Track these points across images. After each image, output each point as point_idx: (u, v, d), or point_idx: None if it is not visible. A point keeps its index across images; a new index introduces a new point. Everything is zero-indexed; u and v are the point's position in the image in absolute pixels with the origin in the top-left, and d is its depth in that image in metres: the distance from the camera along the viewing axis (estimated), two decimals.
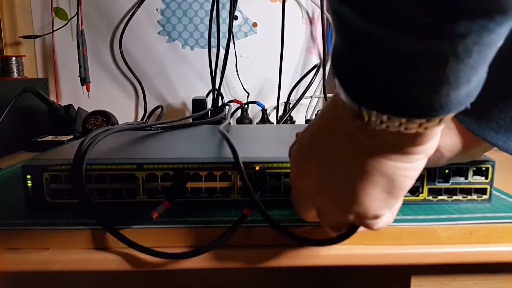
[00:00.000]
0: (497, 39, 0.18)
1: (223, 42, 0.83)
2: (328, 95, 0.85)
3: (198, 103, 0.81)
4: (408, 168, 0.25)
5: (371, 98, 0.21)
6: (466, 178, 0.40)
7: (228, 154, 0.42)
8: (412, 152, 0.24)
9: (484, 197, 0.40)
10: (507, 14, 0.16)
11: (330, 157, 0.26)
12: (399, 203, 0.28)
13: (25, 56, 0.87)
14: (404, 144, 0.24)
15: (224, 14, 0.92)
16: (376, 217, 0.27)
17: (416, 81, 0.19)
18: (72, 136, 0.76)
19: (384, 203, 0.26)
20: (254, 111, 0.95)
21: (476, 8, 0.16)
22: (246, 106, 0.87)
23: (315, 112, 0.92)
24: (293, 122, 0.87)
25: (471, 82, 0.20)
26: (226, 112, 0.75)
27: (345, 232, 0.30)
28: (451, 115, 0.21)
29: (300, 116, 0.95)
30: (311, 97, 0.93)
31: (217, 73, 0.85)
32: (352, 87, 0.22)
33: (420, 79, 0.19)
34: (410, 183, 0.26)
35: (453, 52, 0.18)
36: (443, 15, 0.16)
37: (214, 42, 0.90)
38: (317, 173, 0.27)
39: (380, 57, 0.20)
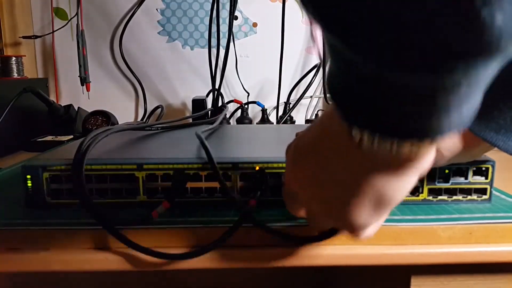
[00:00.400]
0: (487, 73, 0.19)
1: (223, 42, 0.83)
2: (328, 95, 0.84)
3: (198, 103, 0.81)
4: (399, 183, 0.25)
5: (363, 119, 0.22)
6: (466, 178, 0.40)
7: (228, 154, 0.42)
8: (403, 169, 0.24)
9: (484, 197, 0.40)
10: (491, 54, 0.17)
11: (326, 163, 0.26)
12: (386, 215, 0.28)
13: (25, 56, 0.87)
14: (395, 163, 0.24)
15: (224, 14, 0.92)
16: (362, 227, 0.27)
17: (407, 110, 0.20)
18: (72, 136, 0.76)
19: (371, 215, 0.26)
20: (254, 111, 0.95)
21: (460, 50, 0.16)
22: (246, 106, 0.87)
23: (315, 112, 0.92)
24: (293, 122, 0.87)
25: (462, 109, 0.21)
26: (219, 115, 0.72)
27: (328, 231, 0.32)
28: (442, 137, 0.22)
29: (300, 116, 0.95)
30: (311, 97, 0.93)
31: (217, 73, 0.85)
32: (345, 108, 0.23)
33: (411, 108, 0.20)
34: (400, 197, 0.26)
35: (442, 85, 0.18)
36: (430, 55, 0.17)
37: (214, 42, 0.90)
38: (312, 177, 0.27)
39: (371, 88, 0.20)
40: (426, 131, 0.21)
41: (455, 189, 0.40)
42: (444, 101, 0.19)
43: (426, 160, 0.24)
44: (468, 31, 0.16)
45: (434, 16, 0.15)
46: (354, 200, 0.26)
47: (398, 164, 0.24)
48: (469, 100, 0.20)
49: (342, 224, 0.28)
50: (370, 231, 0.29)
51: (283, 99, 0.89)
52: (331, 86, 0.23)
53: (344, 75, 0.22)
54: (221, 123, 0.66)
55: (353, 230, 0.27)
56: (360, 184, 0.25)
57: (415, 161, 0.24)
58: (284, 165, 0.39)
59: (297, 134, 0.32)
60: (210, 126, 0.58)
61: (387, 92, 0.20)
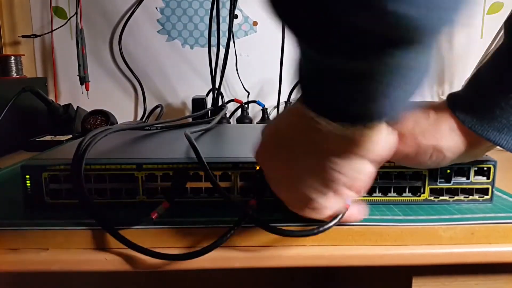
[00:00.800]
0: (409, 63, 0.22)
1: (223, 41, 0.83)
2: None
3: (198, 103, 0.81)
4: (348, 165, 0.29)
5: (318, 104, 0.26)
6: (468, 178, 0.40)
7: (228, 154, 0.42)
8: (352, 152, 0.28)
9: (486, 197, 0.40)
10: (405, 45, 0.20)
11: (292, 145, 0.30)
12: (342, 200, 0.32)
13: (24, 55, 0.87)
14: (344, 145, 0.28)
15: (224, 12, 0.92)
16: (316, 203, 0.31)
17: (346, 93, 0.24)
18: (71, 136, 0.76)
19: (322, 193, 0.30)
20: (254, 111, 0.95)
21: (375, 40, 0.20)
22: (246, 105, 0.87)
23: None
24: None
25: (391, 97, 0.24)
26: (217, 115, 0.72)
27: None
28: (376, 122, 0.26)
29: None
30: None
31: (217, 72, 0.85)
32: (305, 93, 0.28)
33: (349, 92, 0.24)
34: (347, 180, 0.30)
35: (369, 70, 0.22)
36: (352, 41, 0.20)
37: (214, 40, 0.90)
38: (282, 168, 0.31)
39: (319, 75, 0.25)
40: (365, 115, 0.25)
41: (457, 189, 0.40)
42: (373, 88, 0.23)
43: (374, 145, 0.28)
44: (380, 23, 0.18)
45: (352, 8, 0.18)
46: (308, 176, 0.30)
47: (347, 147, 0.28)
48: (395, 89, 0.23)
49: (300, 204, 0.32)
50: (326, 211, 0.32)
51: (283, 98, 0.89)
52: (297, 74, 0.27)
53: (303, 64, 0.26)
54: (219, 122, 0.65)
55: (311, 207, 0.31)
56: (315, 162, 0.29)
57: (361, 144, 0.27)
58: None
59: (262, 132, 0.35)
60: (203, 126, 0.58)
61: (329, 76, 0.24)
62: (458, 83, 0.95)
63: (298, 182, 0.30)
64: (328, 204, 0.32)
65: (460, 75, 0.97)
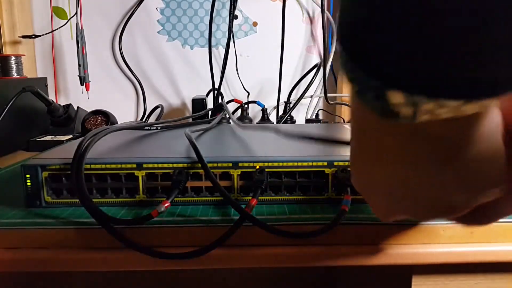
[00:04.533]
0: None
1: (223, 41, 0.83)
2: (328, 94, 0.84)
3: (198, 103, 0.81)
4: (477, 147, 0.19)
5: (415, 81, 0.15)
6: None
7: (228, 154, 0.42)
8: (476, 132, 0.19)
9: None
10: None
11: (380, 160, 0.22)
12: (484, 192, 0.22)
13: (24, 55, 0.87)
14: (463, 127, 0.18)
15: (224, 13, 0.92)
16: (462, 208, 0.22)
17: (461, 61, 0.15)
18: (71, 136, 0.76)
19: (468, 197, 0.21)
20: (254, 111, 0.95)
21: None
22: (246, 105, 0.87)
23: (316, 112, 0.92)
24: (293, 121, 0.87)
25: None
26: (218, 115, 0.71)
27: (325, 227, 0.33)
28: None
29: (300, 115, 0.95)
30: (311, 96, 0.93)
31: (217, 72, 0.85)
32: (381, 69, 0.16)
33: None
34: (485, 162, 0.20)
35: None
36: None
37: (214, 41, 0.90)
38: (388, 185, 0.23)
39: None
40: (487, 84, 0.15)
41: None
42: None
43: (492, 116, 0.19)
44: None
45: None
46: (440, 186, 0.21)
47: (468, 128, 0.18)
48: None
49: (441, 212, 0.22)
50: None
51: (283, 98, 0.89)
52: (356, 46, 0.17)
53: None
54: (219, 122, 0.65)
55: (455, 213, 0.22)
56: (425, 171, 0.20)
57: (483, 118, 0.18)
58: (284, 164, 0.39)
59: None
60: (203, 126, 0.58)
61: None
62: None
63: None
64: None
65: None
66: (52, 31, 0.89)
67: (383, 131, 0.20)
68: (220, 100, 0.83)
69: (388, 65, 0.16)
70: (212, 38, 0.87)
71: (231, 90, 0.96)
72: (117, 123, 0.80)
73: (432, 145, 0.19)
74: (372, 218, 0.37)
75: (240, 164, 0.39)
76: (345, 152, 0.42)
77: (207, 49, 0.87)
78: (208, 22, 0.86)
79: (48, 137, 0.75)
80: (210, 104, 0.85)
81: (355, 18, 0.16)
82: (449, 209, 0.22)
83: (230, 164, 0.39)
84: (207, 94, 0.89)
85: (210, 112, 0.80)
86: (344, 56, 0.17)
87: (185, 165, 0.39)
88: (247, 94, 0.94)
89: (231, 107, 0.90)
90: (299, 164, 0.39)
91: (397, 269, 0.39)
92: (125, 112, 0.95)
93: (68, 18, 0.90)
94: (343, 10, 0.17)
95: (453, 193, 0.21)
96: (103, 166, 0.38)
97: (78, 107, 0.81)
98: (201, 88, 0.94)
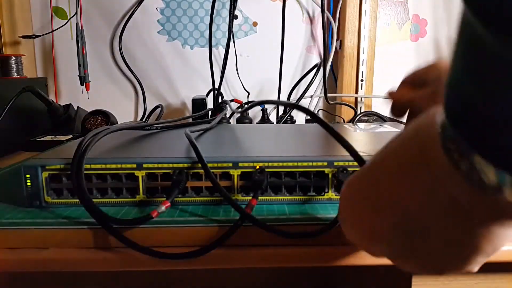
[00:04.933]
0: None
1: (223, 41, 0.83)
2: (328, 94, 0.84)
3: (198, 103, 0.81)
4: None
5: (502, 155, 0.15)
6: None
7: (229, 153, 0.42)
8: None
9: None
10: None
11: (416, 215, 0.21)
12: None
13: (24, 55, 0.87)
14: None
15: (224, 13, 0.92)
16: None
17: None
18: (71, 136, 0.76)
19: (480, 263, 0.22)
20: (254, 111, 0.95)
21: None
22: (246, 105, 0.87)
23: (316, 112, 0.92)
24: (293, 122, 0.87)
25: None
26: (218, 115, 0.71)
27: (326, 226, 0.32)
28: None
29: (300, 116, 0.95)
30: (311, 96, 0.93)
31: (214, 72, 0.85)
32: (494, 149, 0.15)
33: None
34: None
35: None
36: None
37: (214, 41, 0.90)
38: (394, 232, 0.22)
39: None
40: None
41: None
42: None
43: None
44: None
45: None
46: (466, 256, 0.21)
47: None
48: None
49: (442, 274, 0.23)
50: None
51: (283, 98, 0.89)
52: (450, 99, 0.17)
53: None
54: (219, 122, 0.65)
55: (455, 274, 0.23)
56: (477, 240, 0.20)
57: None
58: (284, 164, 0.39)
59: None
60: (203, 126, 0.58)
61: None
62: None
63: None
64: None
65: None
66: (52, 31, 0.89)
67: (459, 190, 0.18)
68: (220, 100, 0.83)
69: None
70: (212, 38, 0.86)
71: (231, 90, 0.96)
72: (117, 123, 0.80)
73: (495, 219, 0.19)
74: None
75: (240, 164, 0.39)
76: (345, 153, 0.42)
77: (207, 49, 0.87)
78: (208, 22, 0.86)
79: (48, 137, 0.75)
80: (210, 104, 0.85)
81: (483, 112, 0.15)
82: (464, 265, 0.22)
83: (230, 164, 0.39)
84: (207, 94, 0.89)
85: (210, 112, 0.80)
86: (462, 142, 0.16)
87: (185, 165, 0.39)
88: (247, 94, 0.94)
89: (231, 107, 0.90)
90: (299, 164, 0.39)
91: (397, 269, 0.39)
92: (125, 112, 0.95)
93: (68, 18, 0.90)
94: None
95: (479, 257, 0.21)
96: (103, 166, 0.38)
97: (78, 107, 0.81)
98: (201, 88, 0.94)
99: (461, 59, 0.16)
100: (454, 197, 0.19)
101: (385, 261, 0.36)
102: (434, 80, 0.35)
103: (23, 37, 0.88)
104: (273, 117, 0.90)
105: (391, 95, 0.38)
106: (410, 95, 0.36)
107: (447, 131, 0.17)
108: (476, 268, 0.22)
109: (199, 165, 0.38)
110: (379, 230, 0.22)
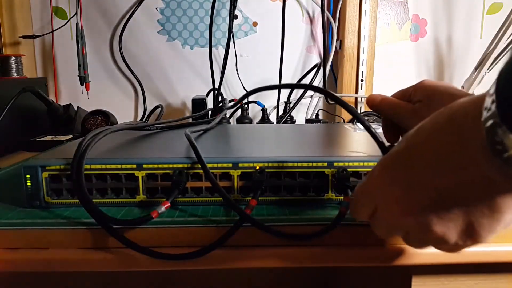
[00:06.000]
0: None
1: (223, 41, 0.83)
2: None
3: (198, 103, 0.81)
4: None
5: None
6: None
7: (229, 154, 0.42)
8: None
9: None
10: None
11: (450, 193, 0.24)
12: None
13: (24, 55, 0.87)
14: None
15: (224, 13, 0.92)
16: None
17: None
18: (71, 136, 0.76)
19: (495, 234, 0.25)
20: (254, 111, 0.95)
21: None
22: (246, 105, 0.87)
23: (316, 112, 0.92)
24: (293, 121, 0.87)
25: None
26: (218, 115, 0.71)
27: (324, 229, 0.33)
28: None
29: (300, 115, 0.95)
30: (311, 96, 0.93)
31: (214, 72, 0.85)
32: None
33: None
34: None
35: None
36: None
37: (214, 41, 0.90)
38: (428, 207, 0.25)
39: None
40: None
41: None
42: None
43: None
44: None
45: None
46: (491, 227, 0.24)
47: None
48: None
49: (464, 244, 0.26)
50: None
51: (283, 98, 0.89)
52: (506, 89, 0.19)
53: None
54: (219, 122, 0.65)
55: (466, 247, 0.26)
56: (501, 212, 0.23)
57: None
58: (284, 164, 0.39)
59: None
60: (203, 126, 0.58)
61: None
62: (456, 84, 0.95)
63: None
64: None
65: (459, 76, 0.97)
66: (52, 31, 0.89)
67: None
68: (220, 99, 0.83)
69: None
70: (212, 38, 0.86)
71: (231, 90, 0.96)
72: (117, 123, 0.80)
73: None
74: None
75: (240, 165, 0.39)
76: (345, 153, 0.42)
77: (207, 49, 0.87)
78: (208, 22, 0.86)
79: (48, 137, 0.75)
80: (210, 104, 0.85)
81: None
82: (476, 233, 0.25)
83: (230, 165, 0.39)
84: (207, 94, 0.89)
85: (210, 112, 0.80)
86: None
87: (185, 165, 0.39)
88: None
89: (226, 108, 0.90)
90: (299, 164, 0.39)
91: (397, 269, 0.39)
92: (125, 112, 0.95)
93: (68, 18, 0.90)
94: None
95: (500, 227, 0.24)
96: (103, 166, 0.38)
97: (78, 107, 0.81)
98: (201, 88, 0.94)
99: None
100: (487, 176, 0.22)
101: (385, 261, 0.36)
102: (422, 98, 0.40)
103: (23, 37, 0.88)
104: (273, 117, 0.90)
105: (368, 100, 0.46)
106: (397, 101, 0.43)
107: (493, 116, 0.19)
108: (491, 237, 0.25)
109: (199, 165, 0.38)
110: (414, 206, 0.25)
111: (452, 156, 0.23)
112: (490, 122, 0.20)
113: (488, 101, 0.20)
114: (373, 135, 0.34)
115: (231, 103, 0.66)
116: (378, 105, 0.44)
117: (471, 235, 0.25)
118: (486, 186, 0.23)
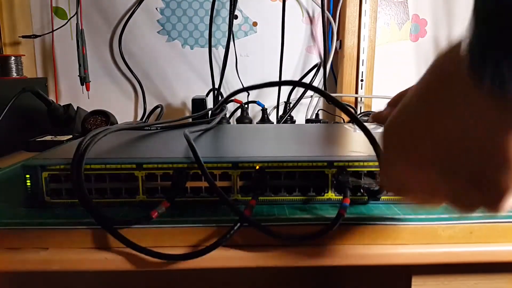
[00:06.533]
0: None
1: (223, 41, 0.83)
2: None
3: (198, 103, 0.81)
4: None
5: None
6: None
7: (228, 153, 0.42)
8: None
9: None
10: None
11: (454, 134, 0.23)
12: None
13: (24, 55, 0.87)
14: None
15: (224, 13, 0.92)
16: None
17: None
18: (71, 136, 0.76)
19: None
20: (254, 111, 0.95)
21: None
22: (246, 105, 0.87)
23: (315, 112, 0.92)
24: (293, 121, 0.87)
25: None
26: (218, 115, 0.71)
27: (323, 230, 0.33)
28: None
29: (300, 115, 0.95)
30: (311, 96, 0.93)
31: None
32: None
33: None
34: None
35: None
36: None
37: (214, 41, 0.90)
38: (439, 154, 0.24)
39: None
40: None
41: None
42: None
43: None
44: None
45: None
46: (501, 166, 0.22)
47: None
48: None
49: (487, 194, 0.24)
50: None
51: (283, 98, 0.89)
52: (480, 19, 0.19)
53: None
54: (219, 122, 0.65)
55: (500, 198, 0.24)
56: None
57: None
58: (284, 164, 0.39)
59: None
60: (203, 126, 0.57)
61: None
62: None
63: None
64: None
65: None
66: (52, 31, 0.89)
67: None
68: (220, 99, 0.83)
69: None
70: (212, 38, 0.86)
71: (231, 90, 0.95)
72: (117, 123, 0.80)
73: None
74: (372, 218, 0.37)
75: (240, 165, 0.39)
76: (345, 153, 0.42)
77: (207, 49, 0.87)
78: (208, 22, 0.86)
79: (48, 137, 0.75)
80: (210, 104, 0.85)
81: None
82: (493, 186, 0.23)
83: (230, 165, 0.39)
84: (207, 94, 0.89)
85: (210, 112, 0.80)
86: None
87: (185, 165, 0.39)
88: (247, 94, 0.94)
89: (231, 107, 0.90)
90: (299, 164, 0.39)
91: (397, 269, 0.39)
92: (125, 112, 0.95)
93: (68, 18, 0.90)
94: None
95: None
96: (103, 166, 0.38)
97: (78, 107, 0.81)
98: (201, 88, 0.94)
99: None
100: (483, 111, 0.21)
101: (385, 261, 0.36)
102: (393, 103, 0.39)
103: (23, 37, 0.88)
104: (273, 117, 0.90)
105: (373, 118, 0.41)
106: (383, 113, 0.41)
107: (474, 49, 0.19)
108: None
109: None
110: (427, 155, 0.25)
111: (442, 97, 0.23)
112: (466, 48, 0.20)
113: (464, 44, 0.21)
114: (369, 136, 0.34)
115: (224, 102, 0.66)
116: (373, 122, 0.42)
117: (483, 186, 0.24)
118: (487, 124, 0.22)
